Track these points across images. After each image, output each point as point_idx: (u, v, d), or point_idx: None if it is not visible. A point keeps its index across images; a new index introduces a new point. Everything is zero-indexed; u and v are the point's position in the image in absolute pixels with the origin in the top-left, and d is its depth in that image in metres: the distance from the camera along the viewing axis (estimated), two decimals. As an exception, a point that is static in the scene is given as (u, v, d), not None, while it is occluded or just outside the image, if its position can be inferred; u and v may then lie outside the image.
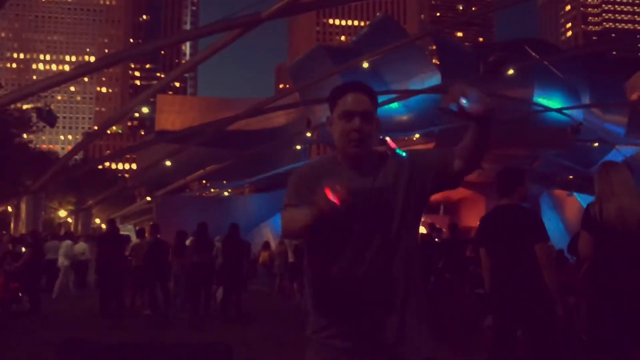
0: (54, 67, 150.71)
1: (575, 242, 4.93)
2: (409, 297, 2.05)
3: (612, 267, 3.65)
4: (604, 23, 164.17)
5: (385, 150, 2.20)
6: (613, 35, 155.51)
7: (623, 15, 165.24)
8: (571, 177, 39.03)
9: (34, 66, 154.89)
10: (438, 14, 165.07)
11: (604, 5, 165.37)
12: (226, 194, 43.59)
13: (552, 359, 3.91)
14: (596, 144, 33.44)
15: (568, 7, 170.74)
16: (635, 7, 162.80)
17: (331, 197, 1.78)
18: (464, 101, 1.89)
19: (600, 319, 3.72)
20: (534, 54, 29.35)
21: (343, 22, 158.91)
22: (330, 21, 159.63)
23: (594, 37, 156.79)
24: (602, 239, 3.68)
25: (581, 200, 31.36)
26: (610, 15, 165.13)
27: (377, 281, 2.02)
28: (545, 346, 3.85)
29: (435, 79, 30.79)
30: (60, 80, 19.71)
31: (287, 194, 2.15)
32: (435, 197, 2.63)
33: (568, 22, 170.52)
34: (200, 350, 2.12)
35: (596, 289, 3.76)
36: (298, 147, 34.59)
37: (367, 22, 79.54)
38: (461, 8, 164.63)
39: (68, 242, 16.29)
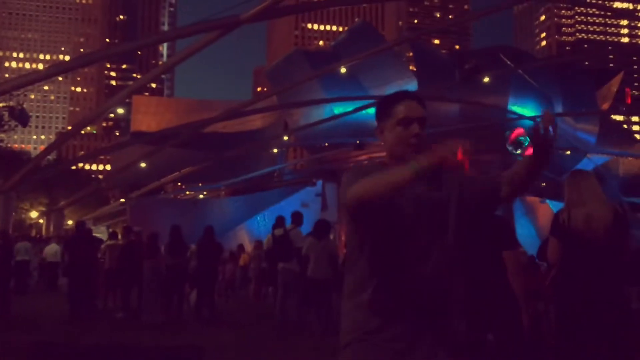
0: (27, 65, 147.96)
1: (545, 248, 5.02)
2: (458, 305, 2.11)
3: (579, 272, 3.74)
4: (577, 34, 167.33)
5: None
6: (585, 46, 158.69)
7: (595, 27, 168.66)
8: (544, 184, 39.65)
9: (6, 64, 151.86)
10: (416, 21, 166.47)
11: (577, 17, 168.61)
12: (202, 196, 43.29)
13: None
14: (568, 152, 34.08)
15: (543, 17, 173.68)
16: (607, 19, 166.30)
17: (455, 152, 1.83)
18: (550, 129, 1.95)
19: (568, 324, 3.80)
20: (509, 62, 29.81)
21: (322, 27, 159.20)
22: (309, 26, 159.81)
23: (567, 47, 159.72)
24: (570, 245, 3.77)
25: (553, 207, 31.88)
26: (583, 26, 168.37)
27: (438, 286, 2.03)
28: (513, 350, 3.92)
29: (412, 85, 31.05)
30: (34, 79, 19.36)
31: (348, 183, 2.03)
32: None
33: (543, 32, 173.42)
34: (172, 353, 2.11)
35: (564, 294, 3.85)
36: (275, 150, 34.52)
37: (346, 28, 79.89)
38: (438, 15, 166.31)
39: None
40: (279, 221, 10.19)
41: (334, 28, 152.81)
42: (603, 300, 3.66)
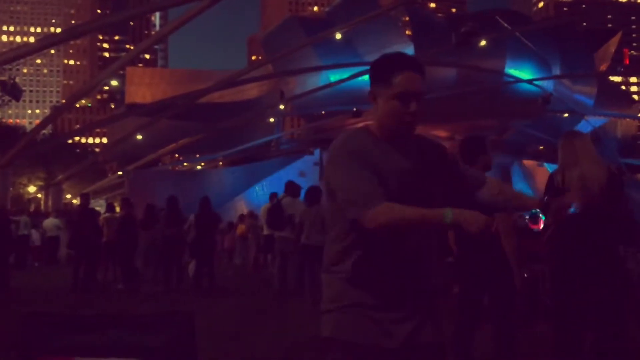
0: (18, 39, 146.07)
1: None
2: (435, 279, 2.11)
3: (573, 232, 3.73)
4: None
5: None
6: (583, 6, 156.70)
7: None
8: (541, 147, 39.69)
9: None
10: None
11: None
12: (199, 167, 43.29)
13: (514, 323, 4.02)
14: (566, 115, 34.00)
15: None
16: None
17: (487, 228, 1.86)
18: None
19: (563, 284, 3.82)
20: (505, 25, 29.48)
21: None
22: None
23: (564, 8, 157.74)
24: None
25: (551, 170, 31.96)
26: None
27: (421, 260, 2.05)
28: (509, 311, 3.95)
29: (408, 50, 30.71)
30: (25, 52, 19.15)
31: (344, 177, 1.99)
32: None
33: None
34: (161, 319, 2.10)
35: (559, 254, 3.86)
36: (271, 119, 34.38)
37: (340, -7, 78.60)
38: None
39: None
40: (273, 194, 10.44)
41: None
42: (597, 259, 3.67)
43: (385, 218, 1.89)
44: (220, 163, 43.52)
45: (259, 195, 31.20)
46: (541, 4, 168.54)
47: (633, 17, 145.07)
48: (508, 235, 3.97)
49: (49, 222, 17.12)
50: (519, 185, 33.87)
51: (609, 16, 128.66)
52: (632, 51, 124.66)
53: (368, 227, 1.92)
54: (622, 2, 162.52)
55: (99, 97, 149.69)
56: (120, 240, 10.86)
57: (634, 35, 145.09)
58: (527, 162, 38.08)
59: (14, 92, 18.92)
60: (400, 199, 1.95)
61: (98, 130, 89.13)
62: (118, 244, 10.96)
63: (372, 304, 1.99)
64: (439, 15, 77.70)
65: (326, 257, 2.12)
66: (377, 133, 2.08)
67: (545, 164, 35.13)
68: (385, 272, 2.01)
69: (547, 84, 31.78)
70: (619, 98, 41.47)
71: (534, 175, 36.42)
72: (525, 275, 5.70)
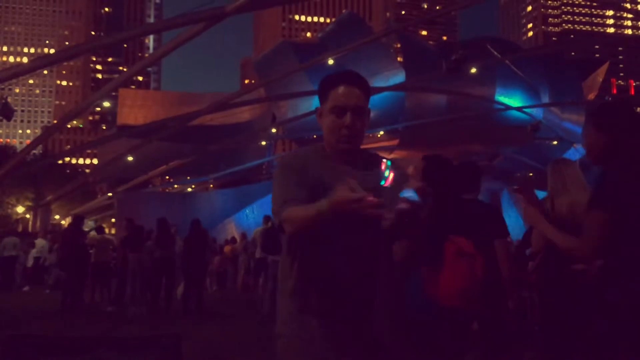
0: (11, 59, 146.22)
1: (528, 236, 5.06)
2: (382, 294, 2.06)
3: (562, 260, 3.76)
4: (564, 24, 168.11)
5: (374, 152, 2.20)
6: (572, 36, 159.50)
7: (581, 17, 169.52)
8: (531, 174, 39.92)
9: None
10: (403, 12, 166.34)
11: (563, 7, 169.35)
12: (190, 189, 43.14)
13: (504, 348, 4.02)
14: (555, 142, 34.31)
15: (529, 8, 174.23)
16: (593, 10, 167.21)
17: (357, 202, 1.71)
18: None
19: (552, 310, 3.83)
20: (495, 52, 29.90)
21: (309, 19, 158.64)
22: (296, 17, 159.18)
23: (553, 38, 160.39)
24: (554, 233, 3.79)
25: (540, 197, 32.10)
26: (569, 17, 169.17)
27: (364, 275, 2.01)
28: (498, 337, 3.95)
29: (399, 77, 31.07)
30: (18, 72, 19.09)
31: (277, 188, 2.03)
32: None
33: (529, 23, 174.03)
34: (148, 342, 2.09)
35: (548, 281, 3.88)
36: (263, 142, 34.44)
37: (333, 19, 79.65)
38: (426, 6, 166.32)
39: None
40: (268, 216, 10.39)
41: (322, 19, 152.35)
42: (585, 287, 3.69)
43: (291, 221, 1.90)
44: (211, 185, 43.40)
45: (249, 218, 31.08)
46: (530, 33, 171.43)
47: (620, 48, 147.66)
48: (506, 261, 4.00)
49: (37, 242, 16.97)
50: (508, 211, 33.96)
51: (597, 46, 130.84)
52: (619, 81, 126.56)
53: (287, 233, 1.95)
54: (609, 33, 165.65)
55: (90, 118, 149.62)
56: (124, 260, 10.81)
57: (620, 65, 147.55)
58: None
59: (6, 112, 18.85)
60: (337, 220, 1.92)
61: (89, 151, 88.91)
62: (117, 265, 10.90)
63: (311, 328, 1.98)
64: (430, 42, 78.80)
65: (278, 271, 2.15)
66: (328, 150, 2.10)
67: (534, 191, 35.32)
68: (323, 286, 1.99)
69: (537, 112, 32.14)
70: (607, 126, 41.97)
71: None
72: (514, 301, 5.71)
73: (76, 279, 10.50)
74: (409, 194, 1.90)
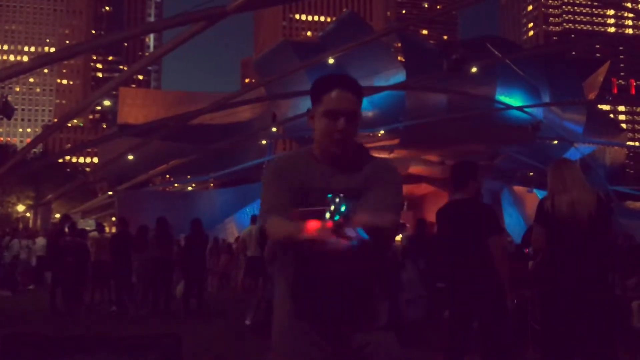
0: (12, 57, 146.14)
1: (529, 235, 5.06)
2: (377, 300, 2.05)
3: (563, 258, 3.76)
4: (564, 24, 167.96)
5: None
6: (572, 35, 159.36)
7: (582, 17, 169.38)
8: (531, 173, 39.92)
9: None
10: (404, 12, 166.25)
11: (564, 7, 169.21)
12: (190, 188, 43.13)
13: (504, 348, 4.02)
14: (555, 142, 34.31)
15: (530, 7, 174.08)
16: (594, 9, 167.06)
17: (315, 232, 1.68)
18: None
19: (552, 309, 3.83)
20: (496, 52, 29.88)
21: (309, 18, 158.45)
22: (297, 16, 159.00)
23: (554, 37, 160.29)
24: (554, 232, 3.80)
25: (541, 196, 32.05)
26: (570, 16, 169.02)
27: (355, 280, 1.99)
28: (498, 336, 3.95)
29: (400, 76, 31.07)
30: (18, 70, 19.10)
31: (265, 192, 2.04)
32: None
33: (530, 22, 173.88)
34: (147, 342, 2.09)
35: (548, 279, 3.88)
36: (263, 141, 34.44)
37: (334, 19, 79.63)
38: (426, 6, 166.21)
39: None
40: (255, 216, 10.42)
41: (322, 19, 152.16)
42: (586, 286, 3.69)
43: (270, 234, 1.92)
44: (212, 184, 43.41)
45: (249, 217, 31.09)
46: (531, 33, 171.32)
47: (621, 48, 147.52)
48: (501, 258, 4.00)
49: (39, 241, 16.97)
50: (509, 210, 34.00)
51: (597, 46, 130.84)
52: (620, 80, 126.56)
53: (270, 239, 1.95)
54: (610, 33, 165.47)
55: (91, 117, 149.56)
56: (115, 260, 10.75)
57: (621, 65, 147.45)
58: (517, 188, 38.25)
59: (6, 111, 18.85)
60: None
61: (89, 150, 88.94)
62: (113, 264, 10.84)
63: (305, 334, 1.99)
64: (431, 41, 78.74)
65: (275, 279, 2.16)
66: (317, 153, 2.09)
67: (535, 190, 35.29)
68: (315, 290, 1.98)
69: (537, 111, 32.12)
70: (608, 126, 41.93)
71: (523, 201, 36.55)
72: (515, 300, 5.72)
73: (64, 279, 10.40)
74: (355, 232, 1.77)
